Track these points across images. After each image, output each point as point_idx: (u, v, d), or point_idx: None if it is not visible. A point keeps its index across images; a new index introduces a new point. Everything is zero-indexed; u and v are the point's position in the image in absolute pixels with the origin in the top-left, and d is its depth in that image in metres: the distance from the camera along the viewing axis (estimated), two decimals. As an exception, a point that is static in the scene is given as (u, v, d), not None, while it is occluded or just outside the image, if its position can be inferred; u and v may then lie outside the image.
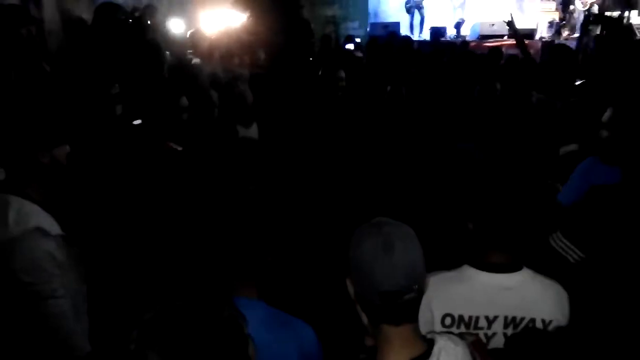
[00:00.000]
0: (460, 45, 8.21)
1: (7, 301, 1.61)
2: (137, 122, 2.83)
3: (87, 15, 4.04)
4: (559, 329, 1.41)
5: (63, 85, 2.77)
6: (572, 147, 2.59)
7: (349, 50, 6.51)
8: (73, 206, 1.95)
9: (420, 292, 1.15)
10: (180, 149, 2.66)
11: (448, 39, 10.88)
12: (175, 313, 0.86)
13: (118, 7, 3.77)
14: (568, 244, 1.74)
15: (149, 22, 4.48)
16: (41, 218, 1.65)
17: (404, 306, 1.12)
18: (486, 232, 1.47)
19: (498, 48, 6.41)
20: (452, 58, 5.75)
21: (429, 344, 1.17)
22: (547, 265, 1.55)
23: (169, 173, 2.43)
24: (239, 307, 0.94)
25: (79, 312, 1.77)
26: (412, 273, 1.12)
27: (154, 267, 2.08)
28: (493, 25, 11.64)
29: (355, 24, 12.26)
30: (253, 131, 3.52)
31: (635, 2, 11.34)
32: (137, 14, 4.64)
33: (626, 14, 11.09)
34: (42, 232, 1.62)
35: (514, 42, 8.85)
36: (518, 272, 1.48)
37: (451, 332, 1.42)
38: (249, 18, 8.34)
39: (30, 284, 1.61)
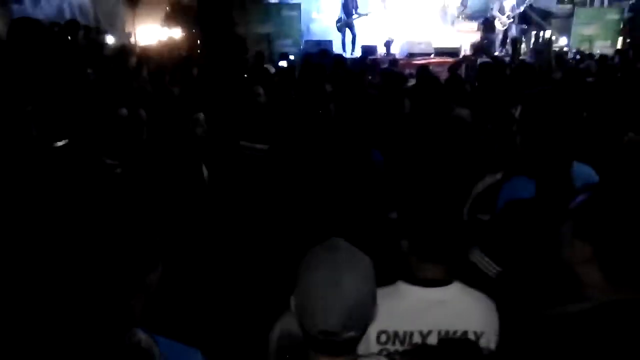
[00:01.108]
0: (389, 63, 8.50)
1: None
2: (61, 143, 2.67)
3: (2, 30, 3.81)
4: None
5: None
6: (497, 176, 2.33)
7: (265, 68, 6.62)
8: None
9: (364, 330, 1.12)
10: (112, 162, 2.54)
11: (378, 57, 11.25)
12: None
13: (35, 22, 3.57)
14: (486, 258, 1.80)
15: (69, 37, 4.29)
16: None
17: (342, 343, 1.10)
18: (419, 246, 1.49)
19: (425, 66, 6.69)
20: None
21: None
22: (470, 281, 1.59)
23: (102, 191, 2.30)
24: None
25: None
26: (356, 314, 1.09)
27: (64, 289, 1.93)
28: (420, 44, 12.18)
29: (289, 42, 12.41)
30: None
31: (548, 23, 12.28)
32: (56, 29, 4.43)
33: (541, 33, 12.00)
34: None
35: (439, 60, 9.29)
36: (449, 286, 1.50)
37: (385, 350, 1.42)
38: (181, 34, 8.22)
39: None
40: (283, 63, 8.62)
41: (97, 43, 4.92)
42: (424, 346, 1.38)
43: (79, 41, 4.28)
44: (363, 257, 1.15)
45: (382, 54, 11.82)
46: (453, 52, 11.65)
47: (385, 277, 1.53)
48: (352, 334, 1.09)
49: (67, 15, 6.48)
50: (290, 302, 1.16)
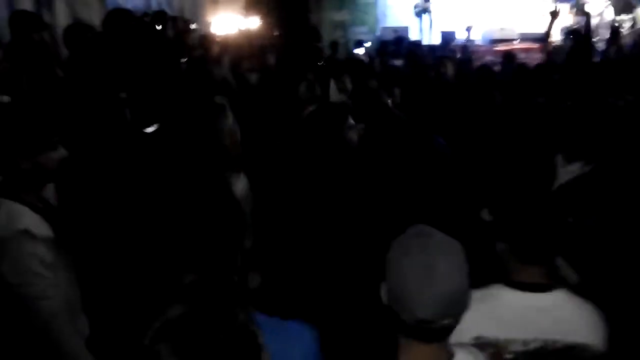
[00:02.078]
0: (461, 50, 8.22)
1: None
2: (151, 128, 2.81)
3: (99, 21, 4.07)
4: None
5: (74, 91, 2.78)
6: (577, 167, 2.12)
7: (355, 55, 6.52)
8: (68, 209, 1.95)
9: (458, 318, 1.10)
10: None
11: (458, 43, 10.85)
12: (193, 312, 0.88)
13: (128, 13, 3.78)
14: (565, 265, 1.68)
15: (159, 27, 4.50)
16: (29, 219, 1.67)
17: (436, 331, 1.08)
18: (519, 247, 1.40)
19: (511, 53, 6.37)
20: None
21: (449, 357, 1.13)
22: None
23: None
24: None
25: (72, 313, 1.78)
26: (451, 303, 1.06)
27: (153, 267, 2.04)
28: (503, 29, 11.60)
29: (364, 29, 12.27)
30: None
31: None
32: (147, 19, 4.66)
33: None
34: (29, 234, 1.65)
35: (524, 46, 8.82)
36: (552, 292, 1.40)
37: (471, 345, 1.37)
38: (259, 23, 8.40)
39: (18, 285, 1.65)
40: (359, 50, 8.55)
41: (184, 33, 5.13)
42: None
43: (167, 31, 4.48)
44: (454, 241, 1.11)
45: (462, 40, 11.38)
46: (540, 38, 10.98)
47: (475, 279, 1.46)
48: (447, 321, 1.07)
49: (154, 5, 6.80)
50: (381, 291, 1.13)
